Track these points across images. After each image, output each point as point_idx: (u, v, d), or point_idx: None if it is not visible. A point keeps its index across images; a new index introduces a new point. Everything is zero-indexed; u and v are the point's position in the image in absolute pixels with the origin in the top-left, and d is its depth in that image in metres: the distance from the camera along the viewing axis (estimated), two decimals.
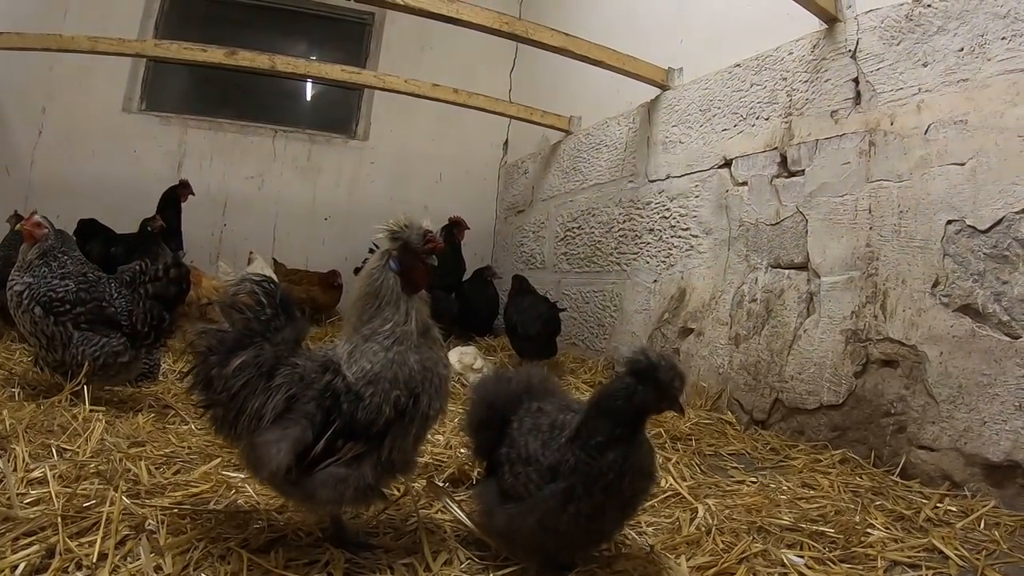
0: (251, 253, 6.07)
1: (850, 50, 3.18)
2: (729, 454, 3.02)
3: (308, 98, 7.73)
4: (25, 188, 6.27)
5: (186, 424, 2.84)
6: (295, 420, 1.59)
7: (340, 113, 7.56)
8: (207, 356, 1.64)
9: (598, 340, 5.06)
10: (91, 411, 2.71)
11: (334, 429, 1.60)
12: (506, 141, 7.59)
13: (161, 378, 3.51)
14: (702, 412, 3.60)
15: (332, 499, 1.62)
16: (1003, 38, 2.55)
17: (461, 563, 1.67)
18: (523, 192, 6.75)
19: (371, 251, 6.65)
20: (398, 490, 2.03)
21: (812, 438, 3.14)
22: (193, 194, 5.94)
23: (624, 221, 4.88)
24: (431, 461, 2.47)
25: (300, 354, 1.69)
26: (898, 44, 2.95)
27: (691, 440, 3.11)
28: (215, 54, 5.02)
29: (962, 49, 2.69)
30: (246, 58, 5.07)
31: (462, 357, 3.79)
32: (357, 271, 6.22)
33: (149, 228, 5.09)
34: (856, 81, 3.15)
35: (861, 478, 2.65)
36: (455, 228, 6.16)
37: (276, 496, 1.97)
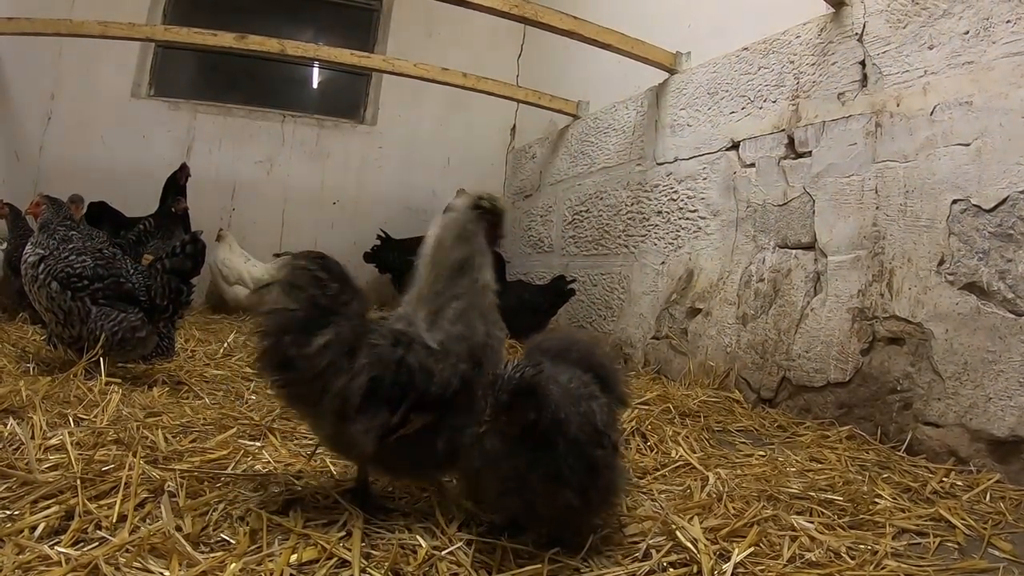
0: (220, 231, 6.12)
1: (857, 33, 3.19)
2: (737, 430, 3.06)
3: (316, 84, 7.72)
4: (35, 174, 6.29)
5: (200, 399, 2.88)
6: (379, 405, 1.65)
7: (348, 98, 7.55)
8: (280, 336, 1.62)
9: (606, 322, 5.09)
10: (107, 383, 2.74)
11: (409, 404, 1.66)
12: (513, 126, 7.58)
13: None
14: (709, 390, 3.63)
15: (410, 472, 1.79)
16: (1008, 21, 2.57)
17: (479, 527, 1.69)
18: (531, 177, 6.76)
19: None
20: None
21: (819, 415, 3.17)
22: (191, 175, 5.97)
23: (632, 204, 4.89)
24: None
25: (373, 329, 1.71)
26: (904, 27, 2.97)
27: (699, 416, 3.16)
28: (225, 38, 5.02)
29: (967, 32, 2.70)
30: (256, 42, 5.07)
31: None
32: (366, 256, 6.25)
33: (173, 209, 5.52)
34: (863, 64, 3.16)
35: (868, 453, 2.69)
36: None
37: (293, 462, 2.02)
